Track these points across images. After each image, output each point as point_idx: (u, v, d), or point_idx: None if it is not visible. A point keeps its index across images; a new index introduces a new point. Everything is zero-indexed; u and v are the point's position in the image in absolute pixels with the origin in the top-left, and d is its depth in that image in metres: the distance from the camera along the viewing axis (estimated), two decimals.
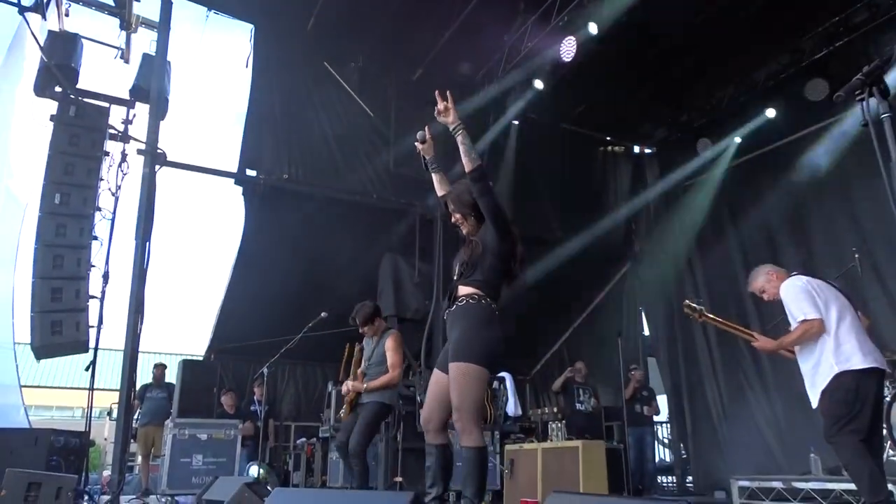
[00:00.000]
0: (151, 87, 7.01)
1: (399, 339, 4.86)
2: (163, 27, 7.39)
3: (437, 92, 3.12)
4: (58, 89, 6.62)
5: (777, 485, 5.93)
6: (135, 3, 7.87)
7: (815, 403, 3.59)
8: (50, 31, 6.92)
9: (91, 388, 5.96)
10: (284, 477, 8.22)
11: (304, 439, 8.20)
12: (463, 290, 3.05)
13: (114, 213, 6.52)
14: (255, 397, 8.42)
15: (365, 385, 4.68)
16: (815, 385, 3.60)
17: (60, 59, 6.59)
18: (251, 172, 8.71)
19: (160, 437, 7.52)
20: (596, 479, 5.58)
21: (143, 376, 8.66)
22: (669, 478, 10.43)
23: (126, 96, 7.07)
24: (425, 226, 9.42)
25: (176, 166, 7.79)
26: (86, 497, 5.49)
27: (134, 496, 7.24)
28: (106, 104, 6.86)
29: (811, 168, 8.41)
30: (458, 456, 3.04)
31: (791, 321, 3.73)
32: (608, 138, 11.53)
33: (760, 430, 8.62)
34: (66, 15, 7.60)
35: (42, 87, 6.67)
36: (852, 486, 4.16)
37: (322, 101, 9.18)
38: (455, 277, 3.12)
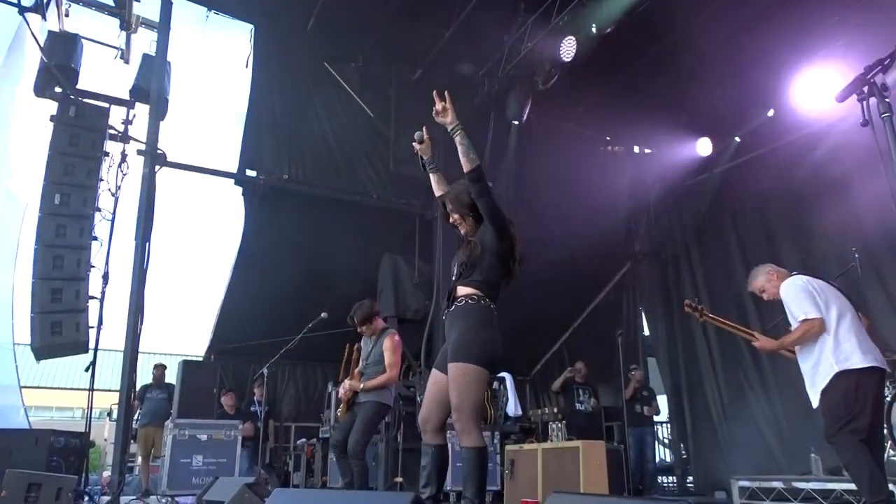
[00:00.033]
0: (151, 87, 7.01)
1: (397, 340, 4.86)
2: (163, 27, 7.40)
3: (434, 92, 3.12)
4: (58, 90, 6.62)
5: (777, 485, 5.93)
6: (135, 4, 7.87)
7: (815, 403, 3.59)
8: (50, 32, 6.93)
9: (91, 389, 5.96)
10: (284, 477, 8.23)
11: (304, 440, 8.20)
12: (462, 290, 3.04)
13: (114, 213, 6.53)
14: (255, 398, 8.42)
15: (362, 384, 4.67)
16: (815, 385, 3.60)
17: (60, 59, 6.59)
18: (251, 173, 8.71)
19: (160, 438, 7.51)
20: (596, 479, 5.57)
21: (143, 377, 8.67)
22: (670, 478, 10.42)
23: (126, 97, 7.08)
24: (425, 226, 9.42)
25: (176, 167, 7.79)
26: (86, 498, 5.49)
27: (134, 497, 7.23)
28: (106, 104, 6.86)
29: (811, 164, 8.41)
30: (458, 456, 3.04)
31: (791, 321, 3.73)
32: (608, 138, 11.53)
33: (761, 429, 8.62)
34: (66, 15, 7.61)
35: (42, 88, 6.67)
36: (853, 487, 4.16)
37: (322, 102, 9.18)
38: (454, 278, 3.12)
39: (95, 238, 6.36)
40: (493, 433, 7.09)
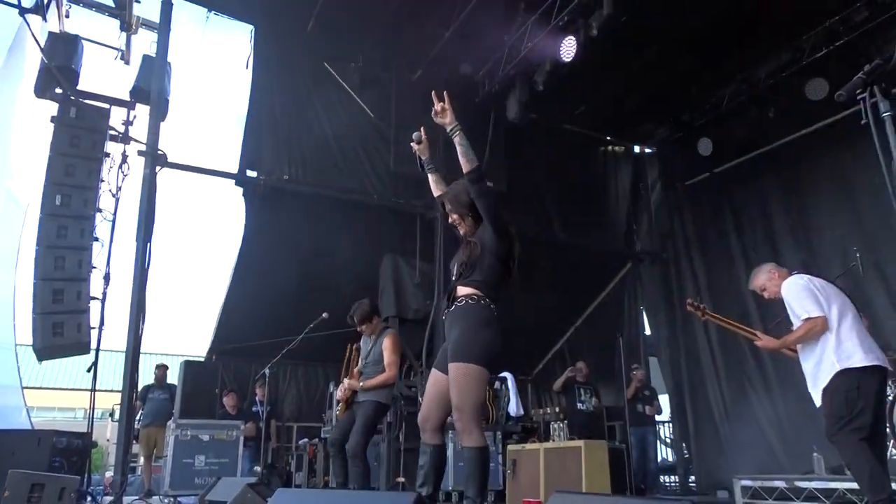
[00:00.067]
0: (152, 88, 7.02)
1: (396, 339, 4.85)
2: (163, 28, 7.40)
3: (433, 92, 3.12)
4: (58, 91, 6.62)
5: (780, 484, 5.92)
6: (135, 5, 7.88)
7: (818, 402, 3.59)
8: (50, 33, 6.93)
9: (93, 390, 5.97)
10: (287, 477, 8.23)
11: (306, 440, 8.20)
12: (462, 290, 3.04)
13: (115, 214, 6.54)
14: (256, 398, 8.42)
15: (361, 383, 4.67)
16: (816, 384, 3.60)
17: (61, 60, 6.59)
18: (251, 173, 8.71)
19: (162, 438, 7.52)
20: (598, 479, 5.57)
21: (145, 377, 8.65)
22: (672, 477, 10.42)
23: (126, 97, 7.08)
24: (426, 226, 9.42)
25: (176, 167, 7.79)
26: (88, 498, 5.50)
27: (137, 497, 7.24)
28: (106, 105, 6.87)
29: (813, 163, 8.40)
30: (460, 456, 3.05)
31: (793, 320, 3.73)
32: (609, 138, 11.54)
33: (762, 429, 8.62)
34: (67, 16, 7.61)
35: (42, 89, 6.67)
36: (855, 486, 4.16)
37: (322, 102, 9.19)
38: (454, 278, 3.12)
39: (97, 239, 6.37)
40: (495, 433, 7.09)
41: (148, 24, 8.00)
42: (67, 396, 23.74)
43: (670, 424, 10.54)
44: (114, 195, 6.57)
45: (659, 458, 9.46)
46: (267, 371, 6.64)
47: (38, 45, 6.59)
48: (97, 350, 6.08)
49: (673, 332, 10.39)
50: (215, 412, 8.28)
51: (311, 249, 8.88)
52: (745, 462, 8.13)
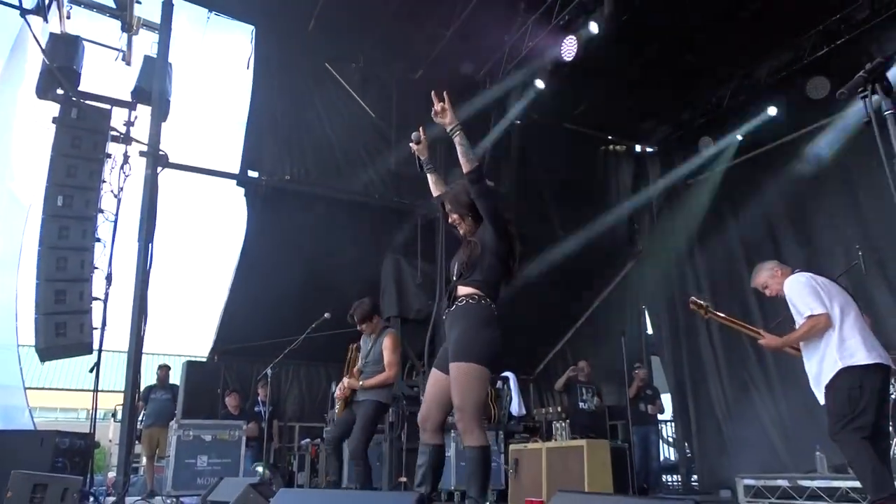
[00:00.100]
0: (153, 88, 7.02)
1: (396, 339, 4.85)
2: (164, 29, 7.40)
3: (433, 93, 3.11)
4: (60, 92, 6.63)
5: (783, 483, 5.92)
6: (136, 5, 7.88)
7: (821, 400, 3.60)
8: (51, 34, 6.94)
9: (95, 390, 5.97)
10: (289, 477, 8.23)
11: (308, 440, 8.20)
12: (462, 290, 3.05)
13: (116, 214, 6.54)
14: (258, 398, 8.42)
15: (361, 382, 4.67)
16: (819, 382, 3.60)
17: (62, 61, 6.60)
18: (253, 174, 8.72)
19: (165, 439, 7.52)
20: (601, 478, 5.57)
21: (147, 378, 8.65)
22: (674, 477, 10.41)
23: (128, 98, 7.09)
24: (427, 226, 9.43)
25: (178, 168, 7.80)
26: (91, 498, 5.49)
27: (139, 497, 7.24)
28: (108, 106, 6.87)
29: (814, 163, 8.38)
30: (462, 455, 3.05)
31: (796, 317, 3.73)
32: (610, 137, 11.53)
33: (765, 428, 8.61)
34: (68, 17, 7.61)
35: (44, 90, 6.68)
36: (858, 484, 4.15)
37: (323, 102, 9.19)
38: (454, 277, 3.12)
39: (98, 239, 6.37)
40: (497, 432, 7.09)
41: (149, 25, 8.00)
42: (70, 397, 23.77)
43: (673, 423, 10.53)
44: (115, 196, 6.57)
45: (661, 458, 9.46)
46: (269, 371, 6.64)
47: (40, 46, 6.59)
48: (99, 350, 6.08)
49: (675, 331, 10.38)
50: (217, 412, 8.28)
51: (313, 250, 8.88)
52: (747, 461, 8.12)
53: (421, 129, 3.35)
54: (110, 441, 15.34)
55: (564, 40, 7.57)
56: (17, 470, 4.10)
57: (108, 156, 6.65)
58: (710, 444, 9.44)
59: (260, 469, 7.02)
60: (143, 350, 6.42)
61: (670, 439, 10.73)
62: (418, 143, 3.33)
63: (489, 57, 8.88)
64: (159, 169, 6.90)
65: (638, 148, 11.76)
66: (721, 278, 9.73)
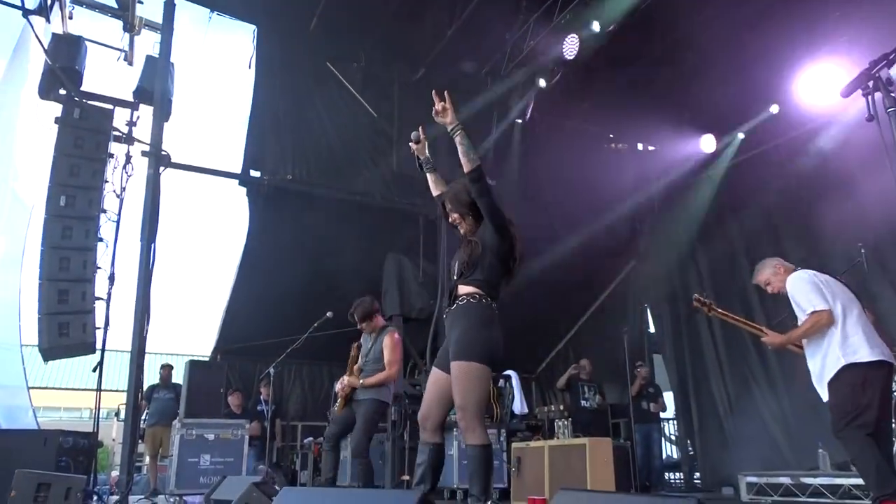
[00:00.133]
0: (155, 88, 7.03)
1: (397, 338, 4.85)
2: (166, 29, 7.41)
3: (434, 92, 3.11)
4: (62, 92, 6.64)
5: (785, 480, 5.93)
6: (138, 5, 7.88)
7: (825, 397, 3.60)
8: (54, 34, 6.95)
9: (98, 390, 5.99)
10: (292, 476, 8.25)
11: (310, 439, 8.22)
12: (463, 289, 3.05)
13: (119, 214, 6.55)
14: (261, 397, 8.44)
15: (361, 381, 4.67)
16: (822, 379, 3.60)
17: (64, 61, 6.61)
18: (255, 173, 8.73)
19: (168, 438, 7.54)
20: (603, 476, 5.57)
21: (150, 377, 8.68)
22: (677, 474, 10.42)
23: (130, 98, 7.10)
24: (429, 225, 9.43)
25: (180, 168, 7.81)
26: (95, 497, 5.51)
27: (142, 496, 7.26)
28: (110, 106, 6.89)
29: (816, 160, 8.37)
30: (464, 454, 3.05)
31: (798, 314, 3.73)
32: (612, 136, 11.51)
33: (767, 425, 8.61)
34: (70, 17, 7.62)
35: (46, 90, 6.69)
36: (861, 482, 4.15)
37: (325, 102, 9.19)
38: (455, 277, 3.12)
39: (101, 239, 6.38)
40: (500, 431, 7.10)
41: (151, 25, 8.01)
42: (73, 396, 23.83)
43: (675, 421, 10.53)
44: (118, 196, 6.58)
45: (664, 455, 9.46)
46: (271, 370, 6.66)
47: (42, 46, 6.60)
48: (102, 350, 6.09)
49: (677, 328, 10.37)
50: (220, 411, 8.28)
51: (315, 249, 8.89)
52: (749, 458, 8.12)
53: (420, 128, 3.35)
54: (113, 440, 15.40)
55: (566, 38, 7.57)
56: (21, 469, 4.11)
57: (111, 156, 6.66)
58: (713, 442, 9.44)
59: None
60: (146, 349, 6.44)
61: (672, 437, 10.73)
62: (417, 142, 3.33)
63: (491, 56, 8.88)
64: (161, 169, 6.91)
65: (640, 146, 11.74)
66: (722, 276, 9.73)
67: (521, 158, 9.91)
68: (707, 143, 9.94)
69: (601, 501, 2.67)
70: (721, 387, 9.52)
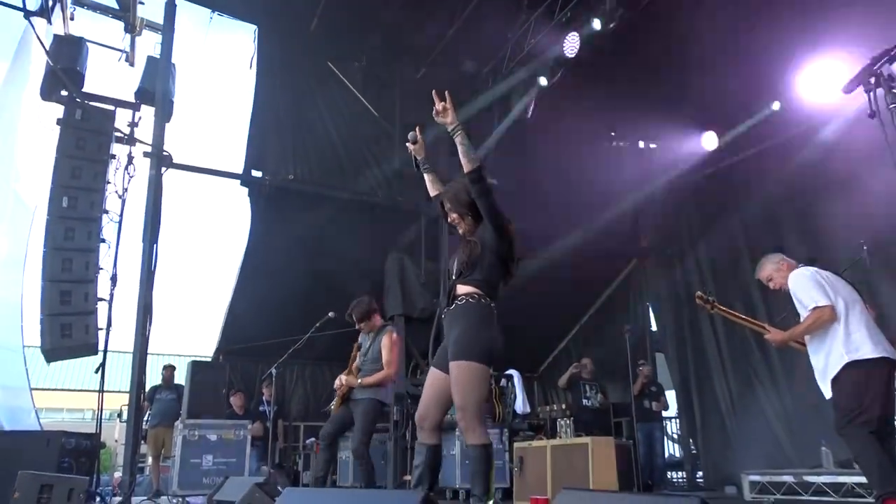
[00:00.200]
0: (156, 89, 7.03)
1: (395, 337, 4.85)
2: (167, 29, 7.41)
3: (434, 92, 3.10)
4: (64, 93, 6.64)
5: (788, 479, 5.92)
6: (139, 6, 7.89)
7: (828, 394, 3.59)
8: (55, 36, 6.96)
9: (101, 391, 5.99)
10: (294, 477, 8.25)
11: (313, 439, 8.22)
12: (462, 289, 3.04)
13: (121, 215, 6.55)
14: (263, 398, 8.45)
15: (359, 381, 4.67)
16: (825, 376, 3.60)
17: (66, 62, 6.62)
18: (257, 173, 8.73)
19: (170, 439, 7.55)
20: (605, 475, 5.57)
21: (153, 378, 8.70)
22: (679, 473, 10.41)
23: (131, 99, 7.11)
24: (431, 224, 9.43)
25: (182, 168, 7.81)
26: (97, 498, 5.52)
27: (145, 497, 7.27)
28: (112, 107, 6.89)
29: (817, 157, 8.35)
30: (467, 454, 3.05)
31: (801, 311, 3.73)
32: (613, 133, 11.50)
33: (770, 423, 8.59)
34: (71, 19, 7.63)
35: (48, 91, 6.70)
36: (864, 480, 4.14)
37: (326, 101, 9.20)
38: (453, 276, 3.12)
39: (103, 240, 6.38)
40: (502, 430, 7.09)
41: (152, 26, 8.01)
42: (76, 397, 23.86)
43: (677, 420, 10.52)
44: (120, 197, 6.59)
45: (666, 454, 9.45)
46: (274, 371, 6.66)
47: (44, 47, 6.60)
48: (105, 351, 6.10)
49: (679, 327, 10.36)
50: (223, 412, 8.29)
51: (317, 249, 8.90)
52: (752, 456, 8.11)
53: (418, 128, 3.34)
54: (116, 441, 15.42)
55: (567, 37, 7.56)
56: (24, 470, 4.12)
57: (113, 156, 6.66)
58: (715, 440, 9.43)
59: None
60: (148, 350, 6.44)
61: (675, 436, 10.72)
62: (415, 142, 3.33)
63: (492, 55, 8.88)
64: (163, 169, 6.91)
65: (641, 144, 11.73)
66: (725, 274, 9.71)
67: (523, 157, 9.90)
68: (708, 140, 9.92)
69: (604, 501, 2.67)
70: (723, 385, 9.50)
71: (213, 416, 7.54)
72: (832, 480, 5.66)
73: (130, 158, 6.76)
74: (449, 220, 3.22)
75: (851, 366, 3.46)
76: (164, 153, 6.95)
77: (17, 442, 5.50)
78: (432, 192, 3.43)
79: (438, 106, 3.08)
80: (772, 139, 9.15)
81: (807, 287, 3.68)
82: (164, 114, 7.07)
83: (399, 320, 8.69)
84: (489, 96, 9.03)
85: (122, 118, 6.91)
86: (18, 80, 7.38)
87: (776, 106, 9.03)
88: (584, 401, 8.22)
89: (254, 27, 8.81)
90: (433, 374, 3.13)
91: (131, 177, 6.70)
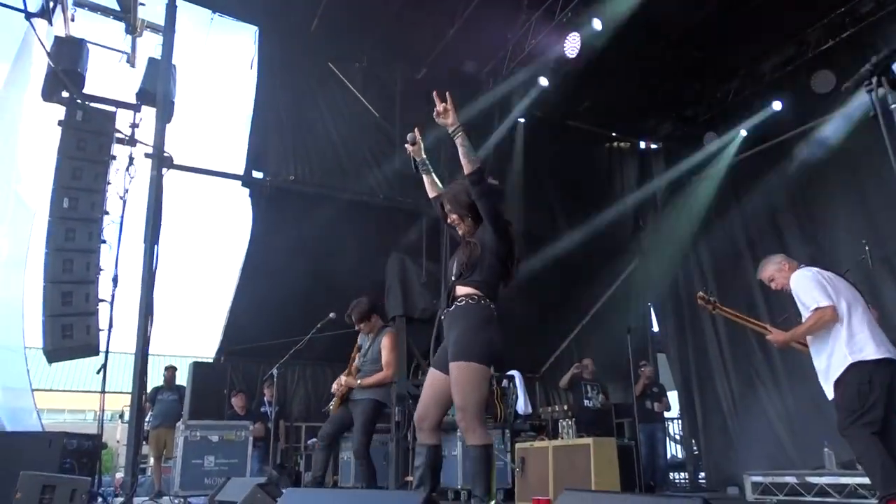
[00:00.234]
0: (157, 90, 7.02)
1: (395, 338, 4.85)
2: (167, 30, 7.40)
3: (435, 93, 3.09)
4: (65, 94, 6.64)
5: (790, 480, 5.91)
6: (140, 7, 7.89)
7: (831, 395, 3.58)
8: (56, 37, 6.95)
9: (103, 391, 5.98)
10: (296, 477, 8.25)
11: (314, 439, 8.21)
12: (462, 290, 3.04)
13: (122, 216, 6.54)
14: (265, 398, 8.44)
15: (359, 381, 4.66)
16: (828, 377, 3.59)
17: (67, 64, 6.61)
18: (257, 174, 8.74)
19: (172, 439, 7.55)
20: (607, 476, 5.55)
21: (154, 379, 8.70)
22: (681, 474, 10.40)
23: (132, 100, 7.10)
24: (432, 225, 9.41)
25: (183, 169, 7.82)
26: (99, 499, 5.52)
27: (147, 498, 7.28)
28: (113, 108, 6.88)
29: (819, 156, 8.34)
30: (468, 454, 3.04)
31: (802, 311, 3.72)
32: (614, 134, 11.50)
33: (772, 424, 8.58)
34: (72, 20, 7.63)
35: (49, 93, 6.69)
36: (867, 481, 4.13)
37: (327, 102, 9.20)
38: (453, 278, 3.11)
39: (104, 241, 6.38)
40: (504, 431, 7.08)
41: (153, 27, 8.01)
42: (77, 398, 23.88)
43: (679, 421, 10.51)
44: (121, 198, 6.58)
45: (668, 455, 9.43)
46: (275, 371, 6.66)
47: (45, 49, 6.60)
48: (106, 352, 6.10)
49: (680, 327, 10.35)
50: (224, 413, 8.30)
51: (318, 250, 8.89)
52: (754, 457, 8.10)
53: (416, 130, 3.33)
54: (118, 442, 15.41)
55: (567, 37, 7.56)
56: (26, 471, 4.12)
57: (114, 158, 6.66)
58: (717, 441, 9.42)
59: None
60: (150, 351, 6.44)
61: (677, 436, 10.71)
62: (413, 144, 3.32)
63: (492, 55, 8.87)
64: (164, 170, 6.90)
65: (642, 144, 11.73)
66: (726, 274, 9.70)
67: (524, 158, 9.90)
68: (709, 141, 9.92)
69: (606, 502, 2.67)
70: (725, 386, 9.49)
71: (214, 417, 7.56)
72: (835, 481, 5.64)
73: (131, 159, 6.76)
74: (449, 221, 3.22)
75: (855, 367, 3.45)
76: (165, 154, 6.94)
77: (19, 443, 5.50)
78: (431, 194, 3.42)
79: (439, 107, 3.07)
80: (773, 139, 9.14)
81: (809, 287, 3.67)
82: (165, 115, 7.06)
83: (400, 321, 8.68)
84: (489, 97, 9.03)
85: (123, 119, 6.91)
86: (19, 82, 7.38)
87: (777, 105, 9.03)
88: (586, 401, 8.20)
89: (254, 28, 8.82)
90: (432, 374, 3.13)
91: (132, 178, 6.70)
